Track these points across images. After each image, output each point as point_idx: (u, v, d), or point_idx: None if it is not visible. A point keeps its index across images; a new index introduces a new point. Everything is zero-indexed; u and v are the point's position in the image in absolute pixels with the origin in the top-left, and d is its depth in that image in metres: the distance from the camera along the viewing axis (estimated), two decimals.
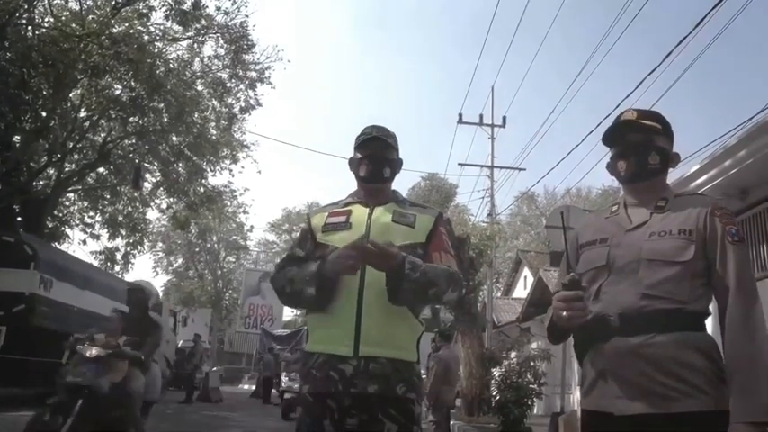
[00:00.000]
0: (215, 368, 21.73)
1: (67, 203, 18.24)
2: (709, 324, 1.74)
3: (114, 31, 13.07)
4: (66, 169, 16.32)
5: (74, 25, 12.95)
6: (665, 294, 1.69)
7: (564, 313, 1.74)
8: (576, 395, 14.31)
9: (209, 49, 16.59)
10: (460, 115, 20.14)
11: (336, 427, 2.00)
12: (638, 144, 1.87)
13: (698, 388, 1.61)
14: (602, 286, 1.81)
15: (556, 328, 1.89)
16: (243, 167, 23.64)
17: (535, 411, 11.45)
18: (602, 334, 1.76)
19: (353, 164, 2.31)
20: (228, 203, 28.36)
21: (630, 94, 9.46)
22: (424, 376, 7.94)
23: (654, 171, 1.87)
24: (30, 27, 12.93)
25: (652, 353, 1.66)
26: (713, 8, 7.22)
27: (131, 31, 13.50)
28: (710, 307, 1.76)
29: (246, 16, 15.17)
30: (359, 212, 2.22)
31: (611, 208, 1.98)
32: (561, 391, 8.82)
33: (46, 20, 13.38)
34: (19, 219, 14.47)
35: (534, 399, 9.88)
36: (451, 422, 8.67)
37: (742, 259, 1.70)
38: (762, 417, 1.52)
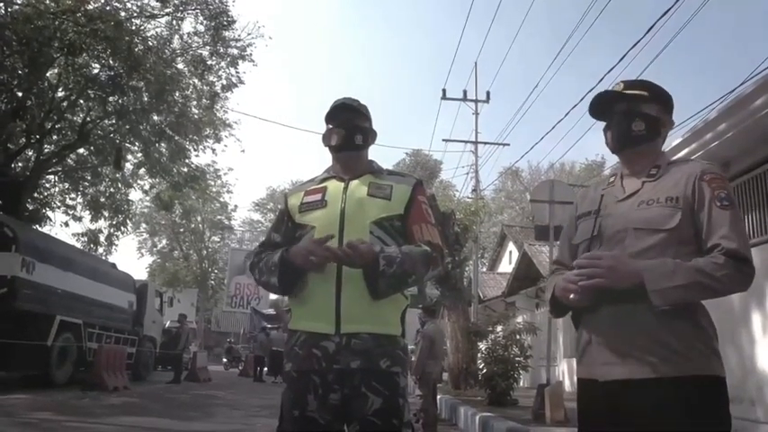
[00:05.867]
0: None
1: (48, 185, 17.94)
2: None
3: (90, 7, 12.74)
4: (46, 150, 16.04)
5: (48, 2, 12.61)
6: None
7: (572, 296, 1.74)
8: (561, 367, 14.56)
9: (188, 25, 16.29)
10: (444, 91, 20.12)
11: (320, 402, 2.00)
12: (621, 112, 1.89)
13: (680, 353, 1.62)
14: None
15: (559, 303, 1.88)
16: (226, 146, 23.54)
17: (521, 384, 11.62)
18: (592, 304, 1.77)
19: (325, 135, 2.29)
20: (212, 183, 28.17)
21: (614, 67, 9.49)
22: (411, 347, 8.01)
23: (638, 138, 1.86)
24: (2, 4, 12.57)
25: (636, 319, 1.67)
26: None
27: (108, 8, 13.19)
28: None
29: None
30: (334, 188, 2.19)
31: (609, 179, 1.99)
32: (547, 363, 8.93)
33: None
34: None
35: (520, 371, 10.01)
36: (438, 396, 8.77)
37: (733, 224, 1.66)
38: (651, 284, 1.59)
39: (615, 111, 1.90)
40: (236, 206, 45.03)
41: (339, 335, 2.00)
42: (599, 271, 1.65)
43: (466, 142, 20.50)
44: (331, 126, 2.26)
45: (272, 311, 26.76)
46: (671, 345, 1.63)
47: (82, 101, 15.53)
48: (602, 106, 1.95)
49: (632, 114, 1.86)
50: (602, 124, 1.98)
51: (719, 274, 1.60)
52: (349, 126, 2.23)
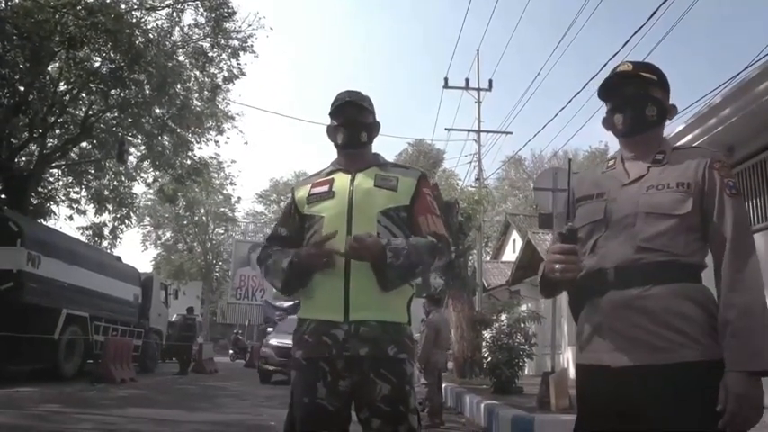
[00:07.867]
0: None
1: (52, 179, 18.00)
2: (706, 277, 1.74)
3: (90, 0, 12.74)
4: (49, 145, 16.07)
5: None
6: (660, 247, 1.69)
7: (557, 266, 1.73)
8: (566, 354, 14.58)
9: (188, 17, 16.32)
10: (446, 80, 19.97)
11: (330, 389, 2.03)
12: (635, 96, 1.85)
13: (692, 338, 1.62)
14: (599, 240, 1.81)
15: (547, 281, 1.88)
16: (228, 138, 23.47)
17: (526, 372, 11.65)
18: (598, 288, 1.76)
19: (330, 132, 2.32)
20: (215, 175, 28.22)
21: (617, 53, 9.41)
22: (416, 335, 8.03)
23: (651, 123, 1.84)
24: None
25: (647, 304, 1.66)
26: None
27: (108, 1, 13.16)
28: (707, 260, 1.75)
29: None
30: (341, 180, 2.23)
31: (608, 162, 1.96)
32: (551, 350, 8.96)
33: None
34: (2, 196, 14.29)
35: (525, 359, 10.03)
36: (443, 384, 8.80)
37: (740, 212, 1.69)
38: (754, 366, 1.55)
39: (626, 93, 1.86)
40: (239, 198, 45.23)
41: (348, 322, 2.04)
42: None
43: (468, 131, 20.45)
44: (336, 123, 2.29)
45: (282, 304, 26.78)
46: (683, 329, 1.63)
47: (84, 94, 15.54)
48: (613, 87, 1.90)
49: (645, 99, 1.83)
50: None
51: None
52: (353, 125, 2.26)
